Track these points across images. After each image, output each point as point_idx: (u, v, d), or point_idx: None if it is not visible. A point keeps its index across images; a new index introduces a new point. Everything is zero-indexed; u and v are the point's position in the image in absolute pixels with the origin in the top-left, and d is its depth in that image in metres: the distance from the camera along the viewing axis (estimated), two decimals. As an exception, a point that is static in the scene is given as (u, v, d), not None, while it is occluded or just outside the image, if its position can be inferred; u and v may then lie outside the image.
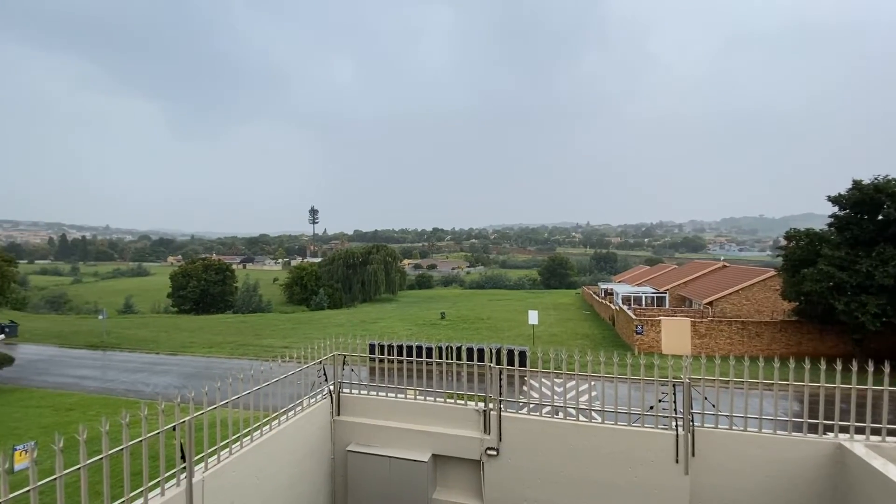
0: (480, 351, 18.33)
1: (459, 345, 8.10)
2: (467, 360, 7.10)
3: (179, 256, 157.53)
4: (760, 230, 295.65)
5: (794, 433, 5.43)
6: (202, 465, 4.93)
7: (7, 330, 35.53)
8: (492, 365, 6.48)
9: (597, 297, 46.95)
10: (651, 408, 5.87)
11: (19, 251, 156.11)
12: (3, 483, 3.15)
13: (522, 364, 19.44)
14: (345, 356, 7.51)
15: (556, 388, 6.40)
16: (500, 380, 6.48)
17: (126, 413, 4.11)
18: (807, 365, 5.34)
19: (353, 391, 7.45)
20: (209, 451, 5.03)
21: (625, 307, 33.11)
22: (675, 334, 25.66)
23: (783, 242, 25.83)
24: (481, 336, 31.64)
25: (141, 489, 4.21)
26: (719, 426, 5.68)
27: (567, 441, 6.08)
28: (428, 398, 7.07)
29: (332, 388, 7.31)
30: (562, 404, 6.28)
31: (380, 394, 7.34)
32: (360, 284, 75.03)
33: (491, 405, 6.47)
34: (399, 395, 7.23)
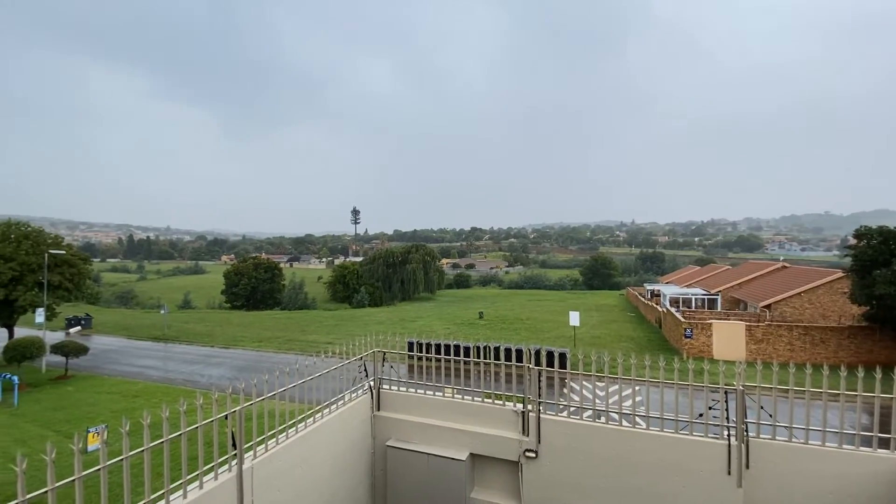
0: (519, 352, 18.09)
1: (497, 345, 8.06)
2: (505, 361, 7.05)
3: (232, 255, 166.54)
4: (826, 228, 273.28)
5: (862, 448, 5.00)
6: (251, 453, 5.20)
7: (83, 322, 39.06)
8: (530, 366, 6.40)
9: (642, 299, 45.19)
10: (700, 415, 5.59)
11: (93, 250, 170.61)
12: (78, 462, 3.48)
13: (562, 366, 18.87)
14: (384, 353, 7.67)
15: (597, 392, 6.23)
16: (539, 381, 6.39)
17: (184, 401, 4.42)
18: (878, 374, 4.90)
19: (393, 388, 7.59)
20: (258, 440, 5.30)
21: (672, 309, 31.66)
22: (728, 338, 24.24)
23: (852, 241, 23.77)
24: (520, 337, 31.27)
25: (197, 473, 4.51)
26: (777, 437, 5.32)
27: (609, 446, 5.91)
28: (466, 397, 7.09)
29: (372, 383, 7.48)
30: (604, 408, 6.11)
31: (418, 391, 7.43)
32: (400, 283, 76.16)
33: (529, 406, 6.40)
34: (437, 393, 7.29)
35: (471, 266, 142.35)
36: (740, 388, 5.31)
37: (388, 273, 77.37)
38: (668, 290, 41.80)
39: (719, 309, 35.63)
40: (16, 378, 20.12)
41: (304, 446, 5.89)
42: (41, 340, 23.97)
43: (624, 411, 6.03)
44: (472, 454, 6.75)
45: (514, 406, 6.70)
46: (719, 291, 38.08)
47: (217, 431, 4.70)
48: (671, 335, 28.66)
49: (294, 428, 5.91)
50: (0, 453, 12.23)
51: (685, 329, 24.91)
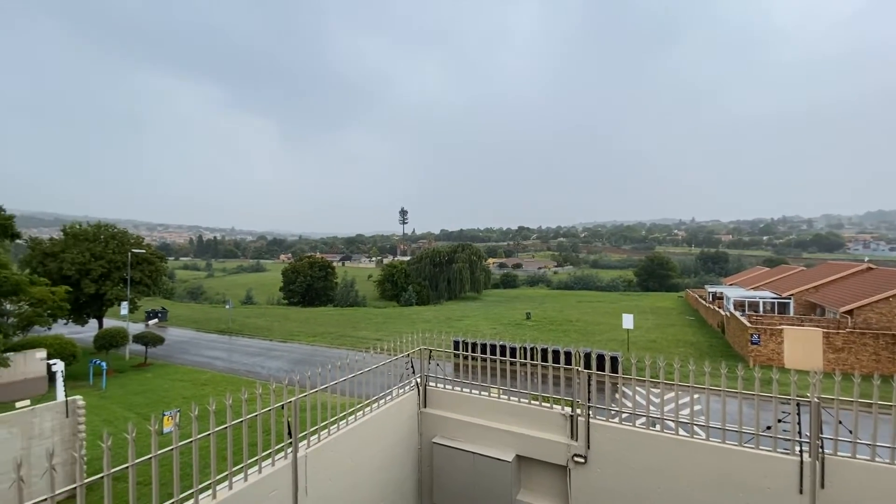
0: (568, 354, 17.62)
1: (545, 346, 7.91)
2: (553, 363, 6.91)
3: (289, 255, 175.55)
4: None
5: None
6: (305, 442, 5.47)
7: (160, 315, 42.74)
8: (580, 369, 6.23)
9: (703, 302, 42.50)
10: (768, 427, 5.18)
11: (168, 250, 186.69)
12: (154, 442, 3.83)
13: (614, 370, 18.27)
14: (431, 351, 7.77)
15: (652, 399, 5.95)
16: (589, 385, 6.20)
17: (245, 391, 4.73)
18: None
19: (439, 385, 7.68)
20: (311, 430, 5.57)
21: (737, 313, 29.51)
22: (802, 346, 22.22)
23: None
24: (569, 339, 30.45)
25: (256, 458, 4.81)
26: (857, 455, 4.83)
27: (665, 456, 5.62)
28: (512, 398, 7.02)
29: (419, 380, 7.61)
30: (659, 416, 5.82)
31: (464, 390, 7.46)
32: (446, 282, 76.65)
33: (578, 410, 6.23)
34: (483, 393, 7.28)
35: (518, 266, 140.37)
36: (815, 399, 4.87)
37: (435, 272, 78.16)
38: (732, 292, 38.99)
39: (791, 314, 32.74)
40: (104, 364, 22.42)
41: (355, 438, 6.11)
42: (125, 331, 26.52)
43: (681, 420, 5.71)
44: (518, 456, 6.68)
45: (563, 409, 6.55)
46: (792, 295, 34.97)
47: (274, 420, 4.98)
48: (735, 341, 26.73)
49: (345, 420, 6.14)
50: (91, 431, 13.68)
51: (751, 335, 23.15)
